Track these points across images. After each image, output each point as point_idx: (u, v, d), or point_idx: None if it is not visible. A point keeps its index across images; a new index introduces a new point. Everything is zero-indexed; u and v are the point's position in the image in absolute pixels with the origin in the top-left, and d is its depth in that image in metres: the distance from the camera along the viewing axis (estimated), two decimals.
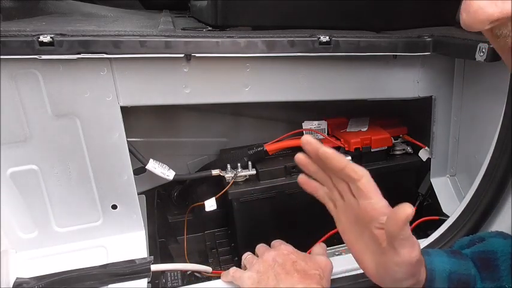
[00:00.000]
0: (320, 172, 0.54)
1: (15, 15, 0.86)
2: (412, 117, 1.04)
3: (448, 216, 0.78)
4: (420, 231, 0.94)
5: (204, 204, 0.91)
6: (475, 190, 0.70)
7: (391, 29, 0.87)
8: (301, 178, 0.57)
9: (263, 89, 0.78)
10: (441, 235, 0.72)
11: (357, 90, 0.84)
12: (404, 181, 1.00)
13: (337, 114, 1.04)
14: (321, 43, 0.72)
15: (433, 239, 0.72)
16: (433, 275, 0.50)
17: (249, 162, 0.91)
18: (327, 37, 0.72)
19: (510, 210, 0.65)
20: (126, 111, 0.71)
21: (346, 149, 0.95)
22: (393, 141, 0.98)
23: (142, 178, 0.87)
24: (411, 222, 0.86)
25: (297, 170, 0.92)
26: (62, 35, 0.61)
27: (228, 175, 0.89)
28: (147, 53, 0.65)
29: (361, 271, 0.59)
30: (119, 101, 0.69)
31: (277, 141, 0.96)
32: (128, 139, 0.72)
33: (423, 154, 0.97)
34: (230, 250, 1.06)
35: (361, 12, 0.85)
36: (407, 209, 0.42)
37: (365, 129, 0.99)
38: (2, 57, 0.60)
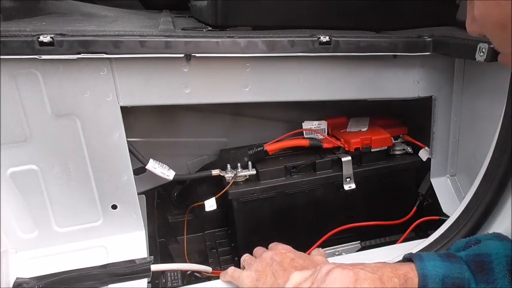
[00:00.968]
0: None
1: (15, 15, 0.86)
2: (412, 117, 1.04)
3: (448, 216, 0.78)
4: (420, 231, 0.94)
5: (204, 204, 0.90)
6: (475, 190, 0.69)
7: (391, 29, 0.87)
8: None
9: (263, 89, 0.78)
10: (441, 235, 0.71)
11: (357, 90, 0.84)
12: (404, 181, 1.00)
13: (337, 114, 1.04)
14: (321, 43, 0.72)
15: (433, 239, 0.72)
16: (425, 280, 0.49)
17: (249, 162, 0.91)
18: (327, 37, 0.72)
19: (510, 210, 0.65)
20: (126, 111, 0.71)
21: (346, 149, 0.95)
22: (393, 141, 0.98)
23: (142, 178, 0.87)
24: (411, 222, 0.87)
25: (297, 170, 0.92)
26: (62, 35, 0.61)
27: (228, 175, 0.89)
28: (147, 53, 0.65)
29: None
30: (118, 101, 0.69)
31: (277, 141, 0.96)
32: (128, 139, 0.73)
33: (423, 154, 0.97)
34: (230, 250, 1.06)
35: (361, 12, 0.85)
36: None
37: (365, 129, 0.98)
38: (2, 57, 0.60)
